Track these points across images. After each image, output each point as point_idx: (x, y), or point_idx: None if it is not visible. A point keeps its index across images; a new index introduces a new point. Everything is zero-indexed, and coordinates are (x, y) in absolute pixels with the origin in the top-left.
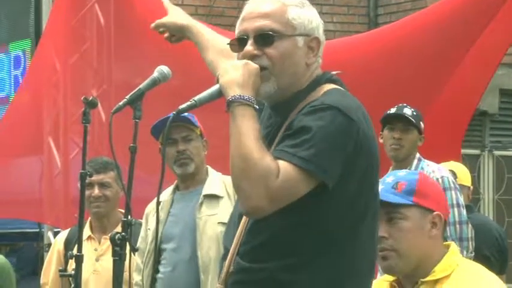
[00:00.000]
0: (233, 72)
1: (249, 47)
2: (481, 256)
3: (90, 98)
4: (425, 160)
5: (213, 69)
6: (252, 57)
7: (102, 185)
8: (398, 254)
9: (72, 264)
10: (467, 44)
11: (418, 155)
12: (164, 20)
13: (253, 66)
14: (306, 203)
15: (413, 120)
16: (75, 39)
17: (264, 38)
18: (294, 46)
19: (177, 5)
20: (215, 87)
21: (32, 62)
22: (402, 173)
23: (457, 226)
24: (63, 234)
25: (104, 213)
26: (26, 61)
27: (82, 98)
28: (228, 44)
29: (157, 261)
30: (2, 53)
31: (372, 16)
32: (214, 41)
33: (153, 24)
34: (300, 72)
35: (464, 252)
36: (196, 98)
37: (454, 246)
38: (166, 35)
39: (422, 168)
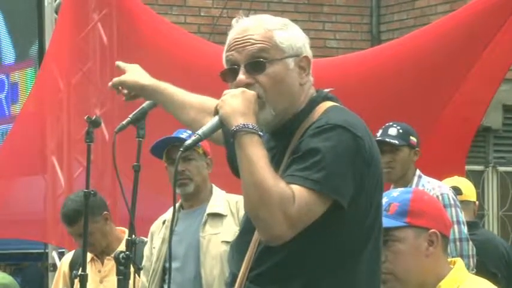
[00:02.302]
0: (233, 101)
1: (241, 76)
2: (487, 272)
3: (94, 117)
4: (426, 177)
5: (195, 128)
6: (246, 86)
7: (79, 235)
8: (396, 277)
9: (77, 285)
10: (470, 60)
11: (418, 172)
12: (124, 78)
13: (251, 93)
14: (322, 223)
15: (396, 142)
16: (78, 58)
17: (255, 66)
18: (285, 69)
19: (180, 24)
20: (215, 118)
21: (35, 82)
22: (396, 193)
23: (457, 243)
24: (69, 256)
25: (97, 248)
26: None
27: (85, 117)
28: (219, 75)
29: (163, 280)
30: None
31: (374, 33)
32: (192, 100)
33: (110, 83)
34: (295, 94)
35: (466, 269)
36: (200, 131)
37: (460, 262)
38: (124, 91)
39: (423, 185)
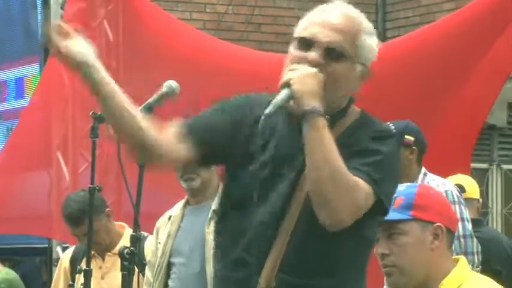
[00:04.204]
0: (308, 80)
1: (316, 54)
2: (491, 270)
3: (99, 113)
4: (431, 174)
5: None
6: (315, 66)
7: (84, 235)
8: (400, 270)
9: (79, 280)
10: (476, 58)
11: (423, 170)
12: (71, 45)
13: (322, 77)
14: (364, 218)
15: None
16: None
17: (335, 54)
18: (351, 71)
19: (185, 20)
20: (286, 92)
21: (41, 78)
22: (402, 187)
23: (462, 240)
24: (69, 252)
25: (102, 245)
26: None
27: (91, 113)
28: (294, 37)
29: (168, 276)
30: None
31: (380, 30)
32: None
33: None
34: (344, 96)
35: (470, 267)
36: (275, 101)
37: (463, 260)
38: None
39: (428, 183)
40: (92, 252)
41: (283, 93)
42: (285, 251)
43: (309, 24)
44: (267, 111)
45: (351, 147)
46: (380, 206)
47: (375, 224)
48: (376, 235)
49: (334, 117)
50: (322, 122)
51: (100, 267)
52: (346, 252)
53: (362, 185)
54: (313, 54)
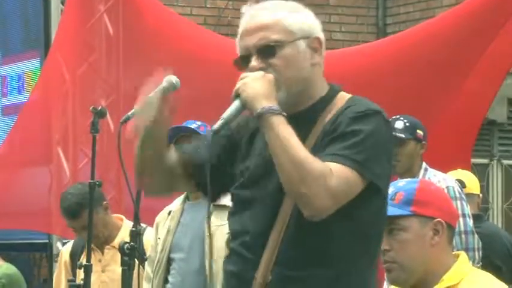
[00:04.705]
0: (255, 84)
1: (254, 62)
2: (492, 265)
3: (99, 108)
4: (432, 170)
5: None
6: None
7: (83, 228)
8: (401, 265)
9: (80, 275)
10: (476, 53)
11: (424, 165)
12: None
13: (271, 76)
14: (352, 206)
15: (402, 135)
16: (84, 49)
17: (266, 50)
18: (296, 51)
19: (186, 15)
20: (237, 102)
21: (41, 73)
22: (402, 183)
23: (463, 236)
24: (68, 246)
25: (101, 238)
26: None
27: (91, 108)
28: (233, 62)
29: (167, 271)
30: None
31: (380, 25)
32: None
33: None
34: (308, 76)
35: (471, 263)
36: (225, 115)
37: (463, 256)
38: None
39: (429, 178)
40: (92, 246)
41: (234, 105)
42: (280, 246)
43: (238, 41)
44: (215, 126)
45: (332, 134)
46: (373, 186)
47: (374, 209)
48: (379, 222)
49: (316, 107)
50: (276, 120)
51: (99, 261)
52: (340, 242)
53: (335, 170)
54: (251, 63)
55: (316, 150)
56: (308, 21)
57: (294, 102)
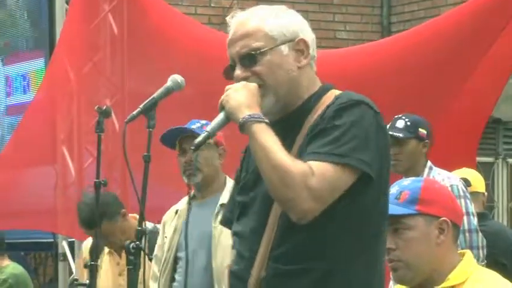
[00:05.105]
0: (236, 95)
1: (238, 71)
2: (497, 264)
3: (104, 108)
4: (437, 168)
5: None
6: (244, 80)
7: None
8: (406, 264)
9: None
10: (481, 52)
11: (429, 163)
12: None
13: (253, 85)
14: (346, 198)
15: (400, 135)
16: (88, 48)
17: (248, 59)
18: (279, 56)
19: (191, 14)
20: (221, 115)
21: (46, 72)
22: (407, 181)
23: (467, 234)
24: (88, 242)
25: (119, 244)
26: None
27: (96, 108)
28: (223, 74)
29: (174, 270)
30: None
31: (385, 24)
32: None
33: None
34: (294, 78)
35: (475, 261)
36: (209, 128)
37: (469, 254)
38: None
39: (433, 177)
40: (109, 249)
41: (218, 117)
42: (272, 244)
43: (227, 51)
44: (196, 140)
45: (314, 131)
46: (365, 177)
47: (369, 202)
48: (377, 218)
49: (305, 106)
50: (257, 128)
51: (117, 264)
52: (332, 237)
53: (317, 169)
54: (235, 72)
55: (302, 151)
56: (291, 25)
57: (284, 105)
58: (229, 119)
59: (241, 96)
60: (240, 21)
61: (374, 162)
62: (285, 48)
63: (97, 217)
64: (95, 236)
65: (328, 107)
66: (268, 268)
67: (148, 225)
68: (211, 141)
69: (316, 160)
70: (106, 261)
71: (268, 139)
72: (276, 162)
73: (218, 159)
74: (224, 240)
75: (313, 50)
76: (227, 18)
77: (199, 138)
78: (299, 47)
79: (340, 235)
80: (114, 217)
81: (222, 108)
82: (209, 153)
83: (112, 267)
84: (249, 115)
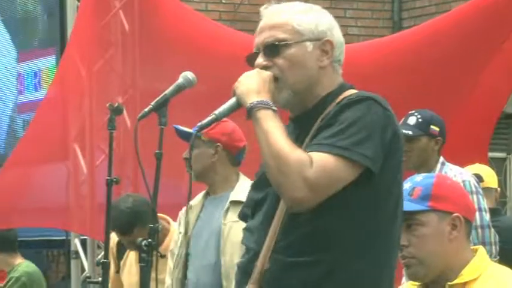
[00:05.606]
0: (247, 81)
1: (260, 59)
2: (509, 259)
3: (116, 105)
4: (449, 164)
5: None
6: (264, 69)
7: (131, 243)
8: (419, 261)
9: (124, 266)
10: (492, 47)
11: (441, 159)
12: None
13: (266, 73)
14: (348, 195)
15: (410, 132)
16: (100, 45)
17: (271, 49)
18: (302, 52)
19: (201, 11)
20: (233, 99)
21: (57, 70)
22: (419, 177)
23: (479, 230)
24: (115, 236)
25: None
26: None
27: (107, 105)
28: (245, 59)
29: (186, 266)
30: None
31: (396, 20)
32: None
33: None
34: (313, 76)
35: (488, 257)
36: (217, 111)
37: (482, 250)
38: None
39: (445, 172)
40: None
41: (229, 102)
42: (278, 236)
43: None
44: (203, 121)
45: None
46: (368, 172)
47: (373, 197)
48: (383, 214)
49: (318, 106)
50: (263, 114)
51: None
52: (335, 230)
53: (317, 160)
54: (257, 60)
55: (308, 146)
56: (321, 24)
57: (300, 101)
58: (240, 104)
59: (252, 82)
60: (271, 12)
61: (377, 157)
62: (309, 46)
63: (108, 220)
64: (128, 243)
65: (338, 104)
66: (273, 260)
67: (175, 224)
68: (203, 138)
69: (317, 151)
70: (131, 258)
71: (271, 125)
72: (275, 148)
73: (212, 156)
74: (233, 236)
75: (339, 54)
76: (261, 9)
77: (205, 121)
78: (325, 47)
79: (345, 229)
80: (147, 224)
81: (233, 94)
82: (200, 150)
83: (137, 264)
84: (257, 101)
